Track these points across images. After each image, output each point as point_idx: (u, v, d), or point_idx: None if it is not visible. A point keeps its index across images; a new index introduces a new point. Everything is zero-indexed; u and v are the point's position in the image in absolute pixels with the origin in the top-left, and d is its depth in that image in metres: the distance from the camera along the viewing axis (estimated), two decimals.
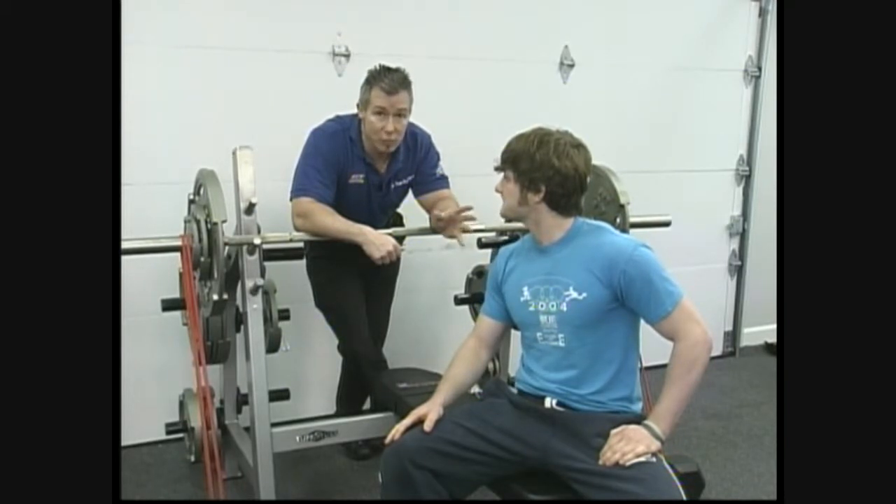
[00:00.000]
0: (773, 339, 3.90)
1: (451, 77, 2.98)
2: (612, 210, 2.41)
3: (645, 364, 1.92)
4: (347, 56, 2.82)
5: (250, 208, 2.01)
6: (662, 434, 1.62)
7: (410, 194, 2.50)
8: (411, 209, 2.55)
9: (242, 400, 2.46)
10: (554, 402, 1.73)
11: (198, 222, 2.03)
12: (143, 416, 2.64)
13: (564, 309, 1.70)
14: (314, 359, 2.94)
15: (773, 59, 3.60)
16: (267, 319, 2.15)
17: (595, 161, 1.80)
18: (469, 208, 2.25)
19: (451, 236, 2.28)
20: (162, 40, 2.58)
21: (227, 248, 1.98)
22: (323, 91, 2.74)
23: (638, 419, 1.68)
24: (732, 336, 3.97)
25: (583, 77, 3.28)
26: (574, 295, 1.69)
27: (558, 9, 3.20)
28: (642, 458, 1.56)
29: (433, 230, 2.32)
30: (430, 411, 1.74)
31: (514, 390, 1.84)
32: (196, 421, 2.27)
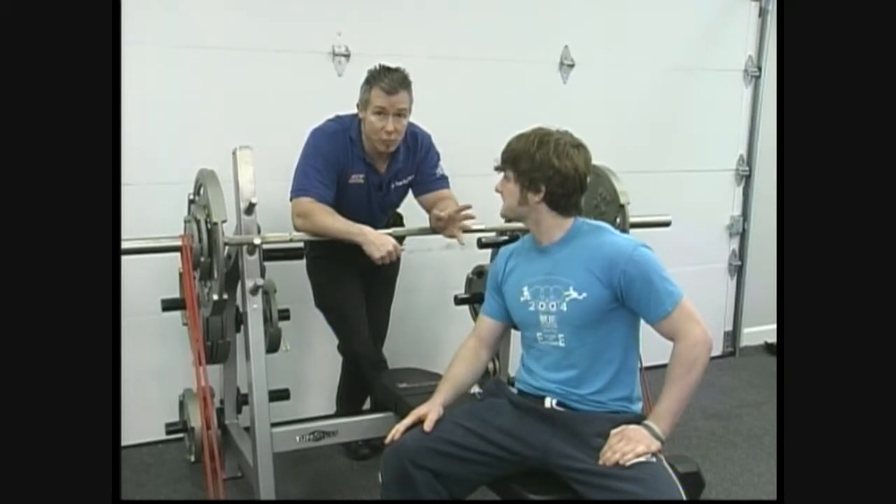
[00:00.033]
0: (773, 339, 3.90)
1: (451, 77, 2.98)
2: (612, 210, 2.41)
3: (645, 364, 1.92)
4: (347, 56, 2.82)
5: (250, 208, 2.01)
6: (662, 434, 1.62)
7: (410, 194, 2.50)
8: (411, 209, 2.55)
9: (242, 400, 2.46)
10: (554, 402, 1.73)
11: (198, 222, 2.03)
12: (143, 416, 2.64)
13: (564, 309, 1.70)
14: (314, 359, 2.94)
15: (773, 59, 3.60)
16: (267, 319, 2.15)
17: (595, 161, 1.80)
18: (468, 207, 2.25)
19: (451, 236, 2.28)
20: (162, 40, 2.58)
21: (227, 248, 1.98)
22: (323, 91, 2.74)
23: (638, 419, 1.68)
24: (732, 336, 3.97)
25: (583, 77, 3.28)
26: (574, 295, 1.69)
27: (558, 9, 3.20)
28: (642, 458, 1.56)
29: (433, 230, 2.32)
30: (430, 411, 1.74)
31: (514, 390, 1.84)
32: (196, 421, 2.27)
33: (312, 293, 2.54)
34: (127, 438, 2.59)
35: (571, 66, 3.26)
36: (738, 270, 3.91)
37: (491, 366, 2.52)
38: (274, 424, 2.15)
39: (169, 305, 2.23)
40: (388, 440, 1.74)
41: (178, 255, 2.06)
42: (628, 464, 1.55)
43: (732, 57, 3.65)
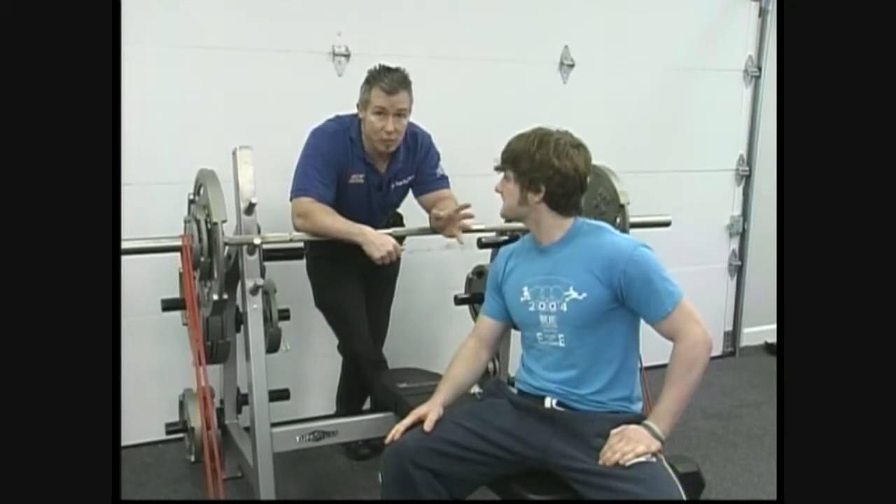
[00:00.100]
0: (773, 339, 3.90)
1: (451, 77, 2.98)
2: (612, 210, 2.41)
3: (645, 364, 1.92)
4: (347, 56, 2.82)
5: (250, 208, 2.01)
6: (662, 434, 1.62)
7: (410, 194, 2.50)
8: (411, 209, 2.55)
9: (242, 400, 2.46)
10: (554, 402, 1.73)
11: (198, 222, 2.03)
12: (143, 416, 2.64)
13: (564, 309, 1.70)
14: (314, 359, 2.94)
15: (773, 59, 3.60)
16: (267, 319, 2.15)
17: (595, 161, 1.80)
18: (467, 206, 2.24)
19: (451, 235, 2.28)
20: (162, 40, 2.58)
21: (227, 248, 1.98)
22: (323, 91, 2.74)
23: (638, 419, 1.68)
24: (732, 336, 3.97)
25: (583, 77, 3.28)
26: (574, 295, 1.69)
27: (558, 9, 3.20)
28: (642, 458, 1.56)
29: (433, 230, 2.32)
30: (430, 411, 1.74)
31: (514, 390, 1.84)
32: (196, 421, 2.27)
33: (312, 293, 2.54)
34: (127, 438, 2.59)
35: (571, 66, 3.26)
36: (738, 270, 3.91)
37: (491, 366, 2.52)
38: (274, 424, 2.15)
39: (169, 305, 2.23)
40: (388, 440, 1.74)
41: (178, 255, 2.06)
42: (628, 464, 1.55)
43: (732, 57, 3.65)
